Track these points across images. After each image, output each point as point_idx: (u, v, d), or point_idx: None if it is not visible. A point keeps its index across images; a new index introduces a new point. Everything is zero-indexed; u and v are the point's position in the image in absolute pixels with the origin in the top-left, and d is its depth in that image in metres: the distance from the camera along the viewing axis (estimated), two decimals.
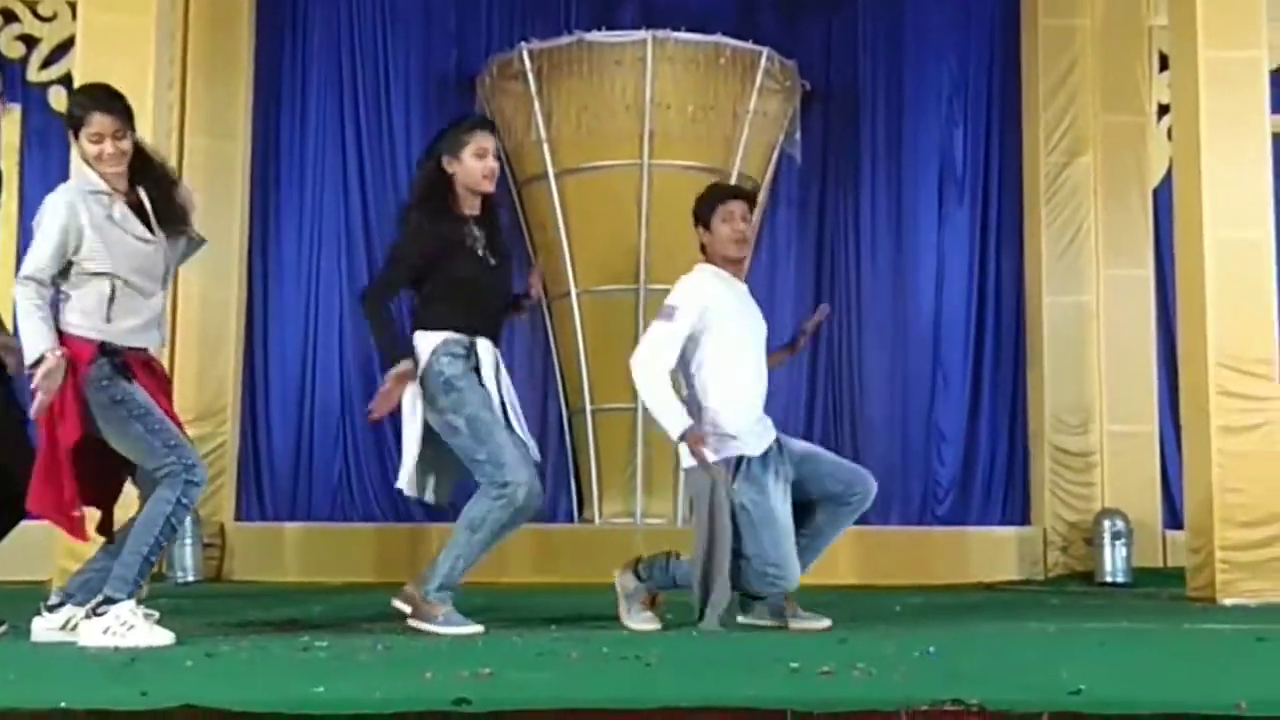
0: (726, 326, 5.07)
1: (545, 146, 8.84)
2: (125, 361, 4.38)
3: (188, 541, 8.07)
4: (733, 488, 4.90)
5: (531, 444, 5.03)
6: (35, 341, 4.27)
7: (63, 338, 4.32)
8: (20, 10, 9.07)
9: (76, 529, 4.41)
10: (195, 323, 8.70)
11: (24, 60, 9.07)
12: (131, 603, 4.24)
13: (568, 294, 8.90)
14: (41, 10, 9.07)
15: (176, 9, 8.43)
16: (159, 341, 4.60)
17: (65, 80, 8.66)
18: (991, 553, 8.90)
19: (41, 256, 4.34)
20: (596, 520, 8.84)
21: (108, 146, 4.41)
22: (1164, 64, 8.70)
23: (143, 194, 4.51)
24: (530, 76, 8.85)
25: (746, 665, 3.58)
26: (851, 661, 3.39)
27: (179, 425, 4.49)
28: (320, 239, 9.36)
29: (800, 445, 5.18)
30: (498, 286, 5.08)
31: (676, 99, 8.79)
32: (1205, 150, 6.94)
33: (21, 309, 4.32)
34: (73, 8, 7.75)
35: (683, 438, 4.89)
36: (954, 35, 9.65)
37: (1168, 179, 8.42)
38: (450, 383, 4.86)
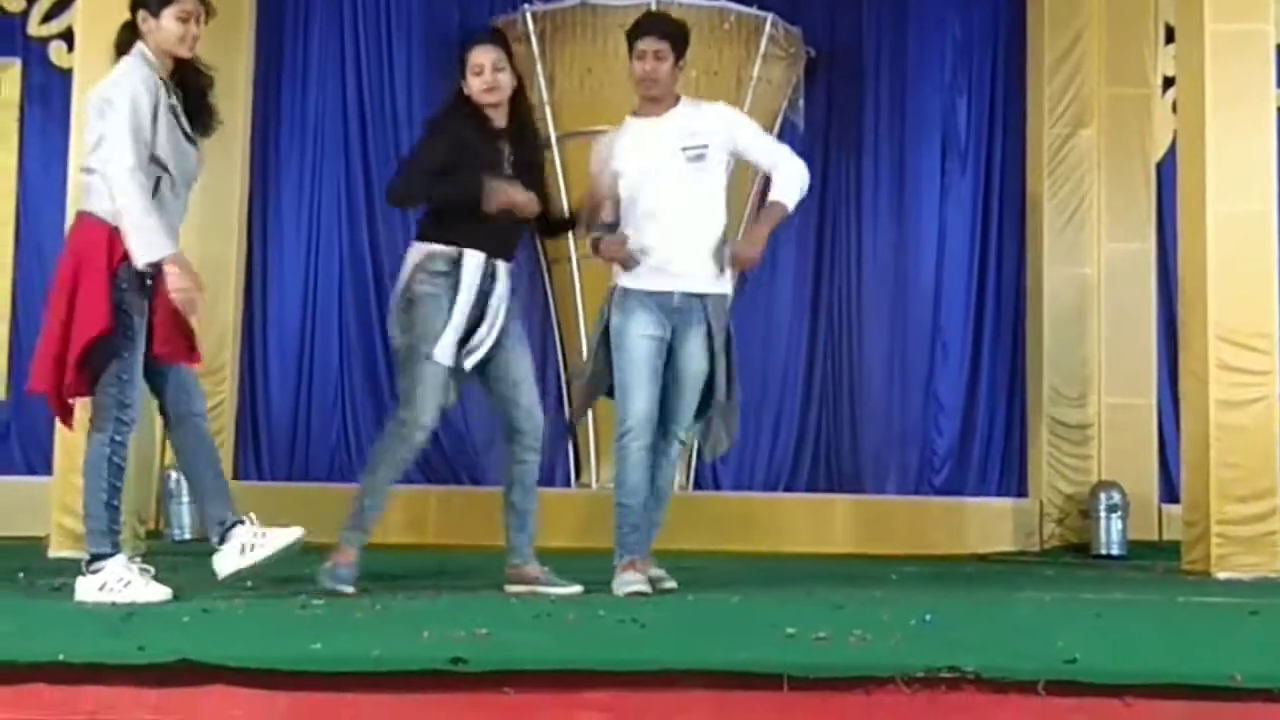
0: (623, 170, 5.18)
1: (548, 109, 8.76)
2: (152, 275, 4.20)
3: (185, 499, 8.06)
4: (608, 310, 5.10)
5: (518, 374, 4.99)
6: (160, 241, 4.11)
7: (96, 221, 4.16)
8: None
9: (67, 416, 4.32)
10: None
11: (24, 15, 8.99)
12: (123, 557, 4.23)
13: (568, 258, 8.87)
14: None
15: None
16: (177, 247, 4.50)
17: (66, 35, 8.61)
18: (987, 524, 8.89)
19: (137, 138, 4.11)
20: (594, 485, 8.83)
21: (193, 28, 4.26)
22: (1170, 36, 8.65)
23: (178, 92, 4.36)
24: (533, 39, 8.80)
25: (742, 630, 3.59)
26: (848, 628, 3.40)
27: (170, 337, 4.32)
28: (321, 199, 9.30)
29: (694, 353, 5.07)
30: None
31: None
32: (1209, 124, 6.92)
33: (140, 205, 4.08)
34: None
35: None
36: (959, 4, 9.58)
37: (1171, 152, 8.39)
38: (411, 301, 4.86)
